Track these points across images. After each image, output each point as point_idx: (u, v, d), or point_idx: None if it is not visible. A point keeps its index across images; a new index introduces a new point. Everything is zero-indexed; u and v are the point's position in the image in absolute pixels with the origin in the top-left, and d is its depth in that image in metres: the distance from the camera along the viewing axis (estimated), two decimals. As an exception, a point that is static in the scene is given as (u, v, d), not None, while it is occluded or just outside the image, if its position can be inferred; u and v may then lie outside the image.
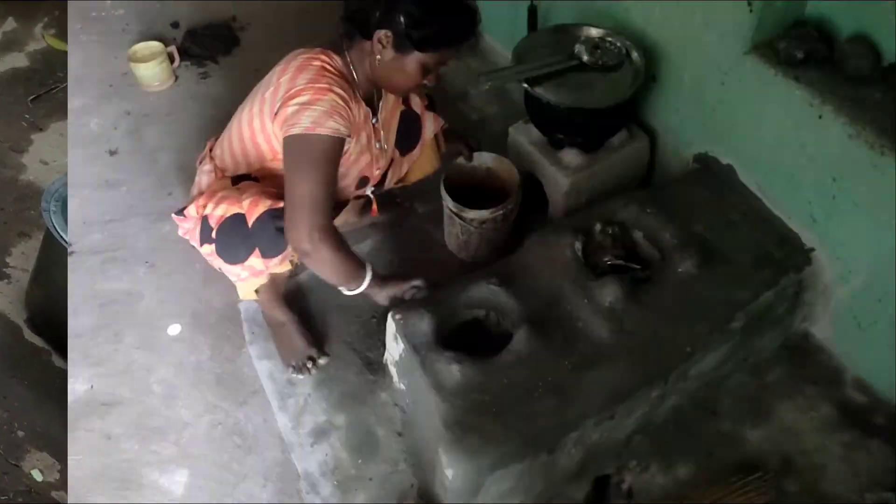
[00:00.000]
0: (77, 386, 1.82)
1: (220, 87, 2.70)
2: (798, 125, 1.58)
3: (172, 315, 1.97)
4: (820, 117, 1.52)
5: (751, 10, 1.57)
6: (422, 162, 1.93)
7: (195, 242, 1.65)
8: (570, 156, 1.90)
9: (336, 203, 1.71)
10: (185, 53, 2.81)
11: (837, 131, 1.49)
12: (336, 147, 1.43)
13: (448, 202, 1.87)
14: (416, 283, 1.63)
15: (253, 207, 1.47)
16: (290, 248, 1.55)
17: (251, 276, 1.60)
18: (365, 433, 1.68)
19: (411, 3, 1.37)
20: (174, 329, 1.94)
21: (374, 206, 1.90)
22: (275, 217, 1.48)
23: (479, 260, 1.98)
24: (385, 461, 1.63)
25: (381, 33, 1.41)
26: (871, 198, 1.50)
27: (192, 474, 1.65)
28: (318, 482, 1.61)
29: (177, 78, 2.75)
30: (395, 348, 1.64)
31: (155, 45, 2.72)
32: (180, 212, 1.63)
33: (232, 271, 1.58)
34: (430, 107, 1.88)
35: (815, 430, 1.64)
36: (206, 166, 1.66)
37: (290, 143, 1.41)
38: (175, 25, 2.98)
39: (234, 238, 1.49)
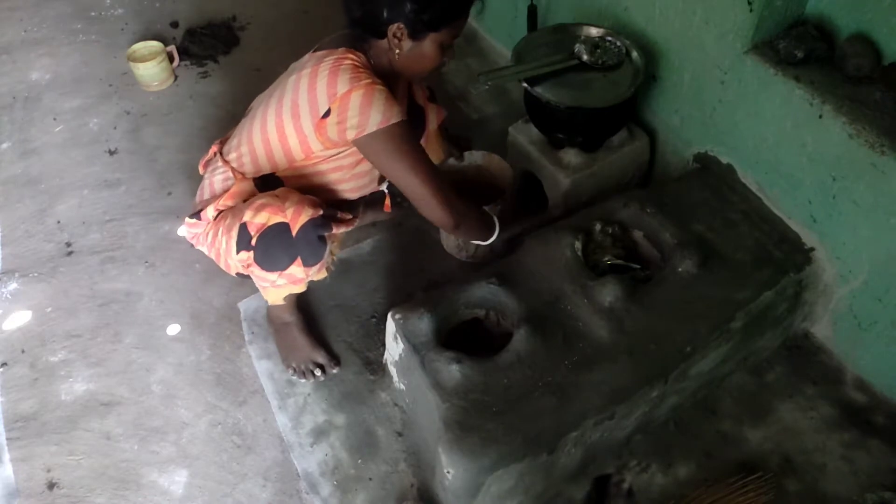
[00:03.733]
0: (76, 386, 1.82)
1: (219, 87, 2.70)
2: (798, 125, 1.58)
3: (172, 315, 1.97)
4: (820, 117, 1.52)
5: (751, 10, 1.57)
6: (428, 153, 1.93)
7: (204, 247, 1.65)
8: (570, 155, 1.90)
9: (348, 203, 1.72)
10: (184, 53, 2.81)
11: (837, 131, 1.49)
12: (408, 128, 1.48)
13: None
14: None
15: (297, 216, 1.46)
16: (327, 256, 1.56)
17: (289, 284, 1.59)
18: (365, 433, 1.68)
19: None
20: (173, 329, 1.94)
21: (388, 202, 1.90)
22: (317, 226, 1.49)
23: (478, 260, 1.98)
24: (385, 461, 1.63)
25: (394, 27, 1.43)
26: (871, 198, 1.49)
27: (191, 474, 1.65)
28: (318, 482, 1.61)
29: (176, 77, 2.75)
30: (395, 348, 1.64)
31: (154, 45, 2.72)
32: (195, 215, 1.62)
33: (267, 278, 1.56)
34: (431, 98, 1.89)
35: (815, 429, 1.64)
36: (220, 169, 1.63)
37: (371, 142, 1.45)
38: (174, 25, 2.98)
39: (276, 247, 1.48)
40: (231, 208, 1.58)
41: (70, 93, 2.70)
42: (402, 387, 1.68)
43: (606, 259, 1.67)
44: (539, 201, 2.02)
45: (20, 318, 1.98)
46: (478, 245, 1.94)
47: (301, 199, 1.49)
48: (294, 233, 1.46)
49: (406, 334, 1.55)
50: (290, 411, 1.73)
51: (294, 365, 1.77)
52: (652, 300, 1.57)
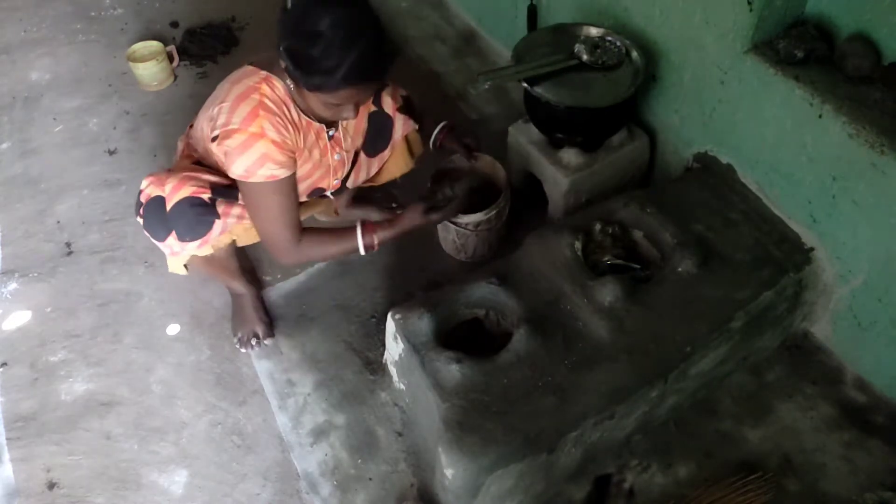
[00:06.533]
0: (76, 386, 1.82)
1: (219, 87, 2.70)
2: (798, 124, 1.58)
3: (171, 315, 1.97)
4: (820, 116, 1.52)
5: (751, 10, 1.57)
6: (390, 165, 1.88)
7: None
8: (570, 155, 1.90)
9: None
10: (184, 53, 2.81)
11: (837, 131, 1.49)
12: (276, 183, 1.44)
13: None
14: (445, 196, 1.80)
15: (173, 193, 1.50)
16: (214, 236, 1.56)
17: (171, 255, 1.63)
18: (365, 433, 1.68)
19: (294, 48, 1.29)
20: (173, 329, 1.94)
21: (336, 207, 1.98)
22: (193, 205, 1.50)
23: (477, 260, 1.98)
24: (385, 461, 1.63)
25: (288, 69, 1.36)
26: (871, 197, 1.49)
27: (191, 474, 1.65)
28: (318, 482, 1.61)
29: (176, 77, 2.74)
30: (394, 348, 1.64)
31: (154, 45, 2.72)
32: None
33: (158, 247, 1.61)
34: (405, 108, 1.80)
35: (815, 429, 1.64)
36: (182, 142, 1.69)
37: (236, 180, 1.47)
38: (174, 25, 2.98)
39: (153, 218, 1.54)
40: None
41: (70, 93, 2.70)
42: (402, 387, 1.68)
43: (606, 259, 1.67)
44: (539, 201, 2.02)
45: (20, 318, 1.98)
46: (476, 246, 1.94)
47: (185, 178, 1.51)
48: (168, 207, 1.50)
49: (406, 334, 1.55)
50: (290, 411, 1.73)
51: (239, 335, 1.84)
52: (652, 300, 1.57)
